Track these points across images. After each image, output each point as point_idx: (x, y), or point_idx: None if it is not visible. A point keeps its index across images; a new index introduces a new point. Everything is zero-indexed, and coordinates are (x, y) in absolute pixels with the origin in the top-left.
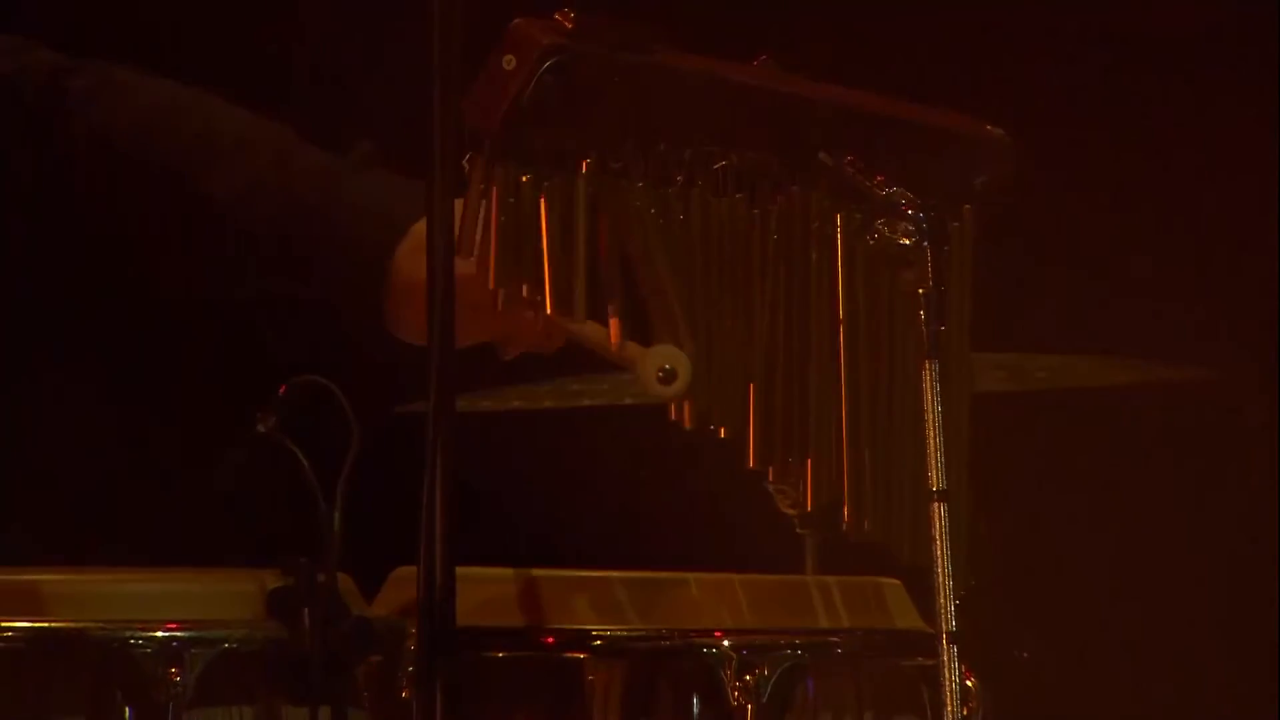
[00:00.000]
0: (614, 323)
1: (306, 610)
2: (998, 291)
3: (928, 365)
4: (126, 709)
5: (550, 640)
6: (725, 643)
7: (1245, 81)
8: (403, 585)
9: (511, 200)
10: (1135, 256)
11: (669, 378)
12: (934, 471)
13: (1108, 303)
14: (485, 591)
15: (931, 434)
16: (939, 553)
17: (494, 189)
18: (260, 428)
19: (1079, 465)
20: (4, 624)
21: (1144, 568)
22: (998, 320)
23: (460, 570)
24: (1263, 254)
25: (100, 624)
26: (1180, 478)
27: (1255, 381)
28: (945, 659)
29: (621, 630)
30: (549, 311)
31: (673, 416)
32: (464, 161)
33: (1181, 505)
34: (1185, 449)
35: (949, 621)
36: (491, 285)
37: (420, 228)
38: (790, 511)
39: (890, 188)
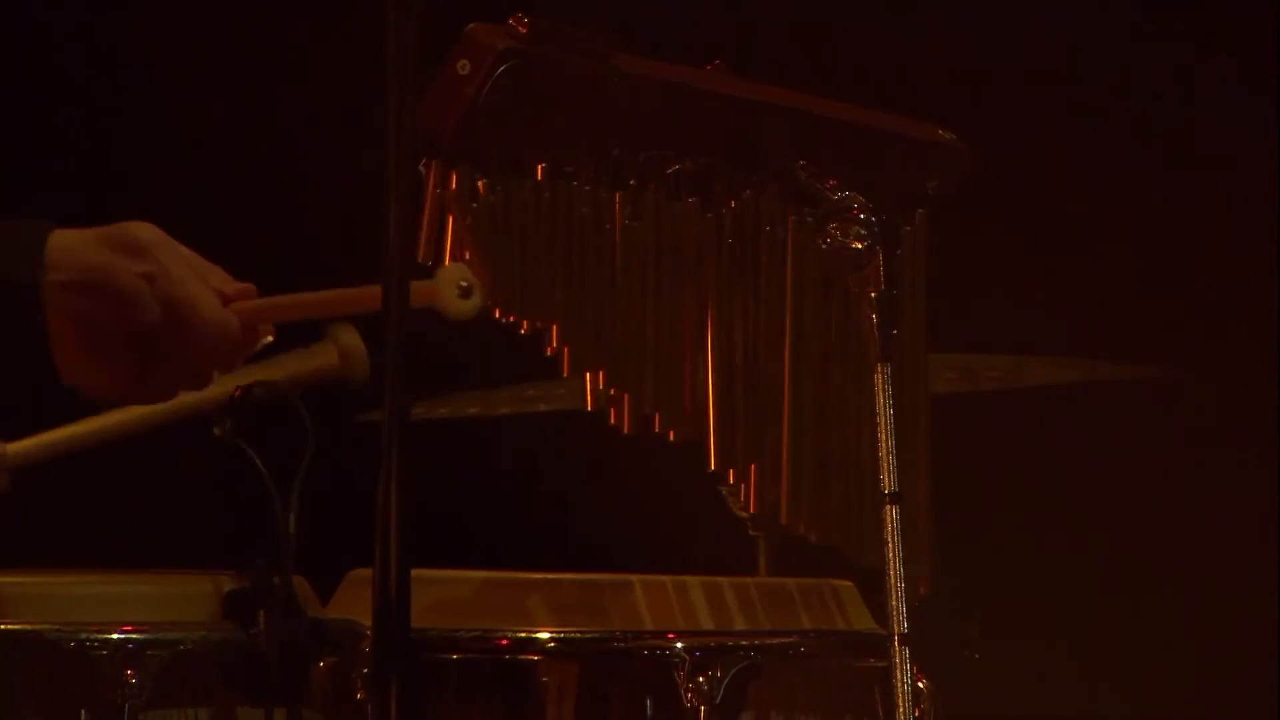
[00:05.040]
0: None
1: (262, 612)
2: (948, 292)
3: (880, 368)
4: (82, 711)
5: (504, 642)
6: (678, 645)
7: (1201, 83)
8: (357, 587)
9: (474, 205)
10: (1084, 257)
11: (467, 293)
12: (886, 474)
13: (1057, 303)
14: (440, 593)
15: (884, 437)
16: (891, 555)
17: (449, 193)
18: (216, 431)
19: (1030, 465)
20: None
21: (1096, 567)
22: (948, 321)
23: (415, 573)
24: (1210, 253)
25: (56, 626)
26: (1131, 476)
27: (1203, 379)
28: (897, 660)
29: (575, 632)
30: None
31: (612, 421)
32: (420, 166)
33: (1133, 504)
34: (1136, 447)
35: (901, 623)
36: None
37: None
38: (743, 514)
39: (843, 192)
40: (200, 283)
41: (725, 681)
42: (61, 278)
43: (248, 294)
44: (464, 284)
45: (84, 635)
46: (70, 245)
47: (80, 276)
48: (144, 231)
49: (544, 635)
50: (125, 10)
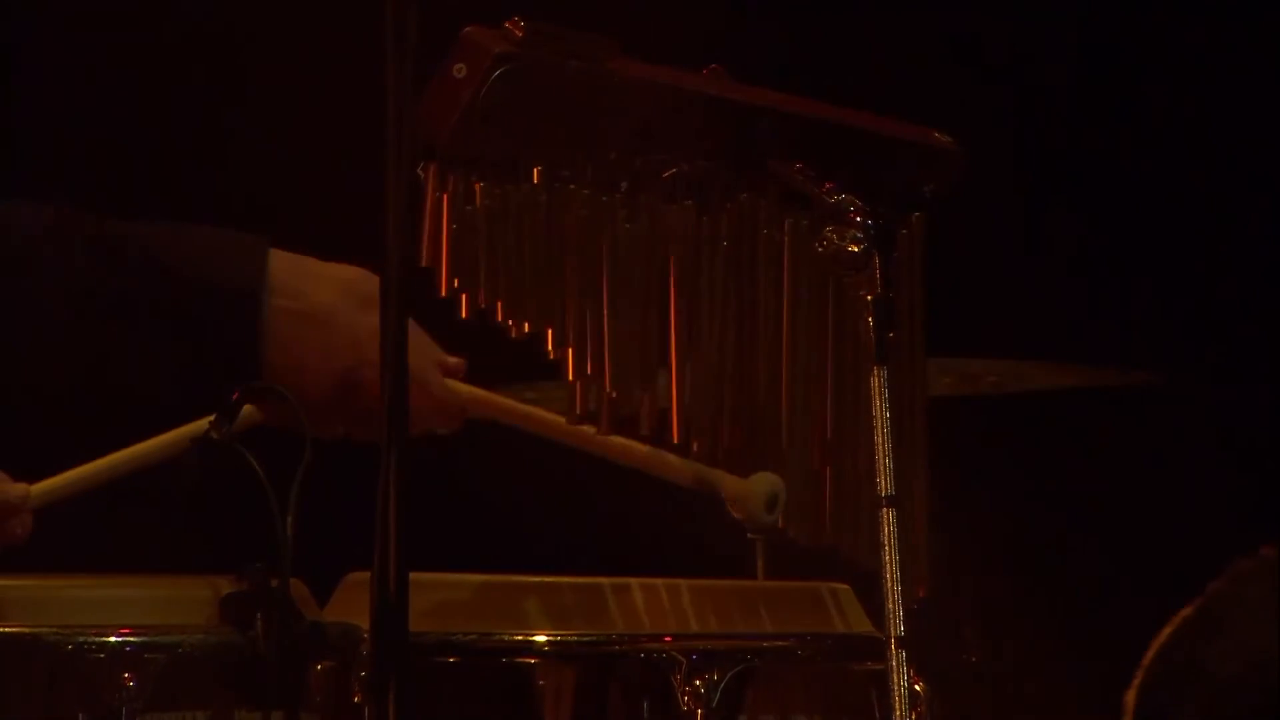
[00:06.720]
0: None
1: (260, 615)
2: (946, 296)
3: (876, 371)
4: (80, 714)
5: (502, 645)
6: (675, 648)
7: (1188, 87)
8: (355, 590)
9: (469, 208)
10: (1082, 261)
11: (772, 506)
12: (883, 477)
13: (1054, 307)
14: (438, 596)
15: (881, 440)
16: (888, 558)
17: (445, 196)
18: (214, 434)
19: (1027, 469)
20: None
21: (1092, 571)
22: (946, 325)
23: (413, 576)
24: (1207, 258)
25: (54, 629)
26: (1127, 481)
27: (1201, 384)
28: (894, 663)
29: (572, 635)
30: (499, 318)
31: (644, 430)
32: (419, 170)
33: (1129, 508)
34: (1132, 452)
35: (897, 626)
36: (443, 294)
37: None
38: (740, 517)
39: (839, 195)
40: (427, 357)
41: (722, 685)
42: (287, 304)
43: (460, 369)
44: (771, 495)
45: (81, 638)
46: (298, 272)
47: (307, 309)
48: (373, 285)
49: (541, 638)
50: (123, 8)
